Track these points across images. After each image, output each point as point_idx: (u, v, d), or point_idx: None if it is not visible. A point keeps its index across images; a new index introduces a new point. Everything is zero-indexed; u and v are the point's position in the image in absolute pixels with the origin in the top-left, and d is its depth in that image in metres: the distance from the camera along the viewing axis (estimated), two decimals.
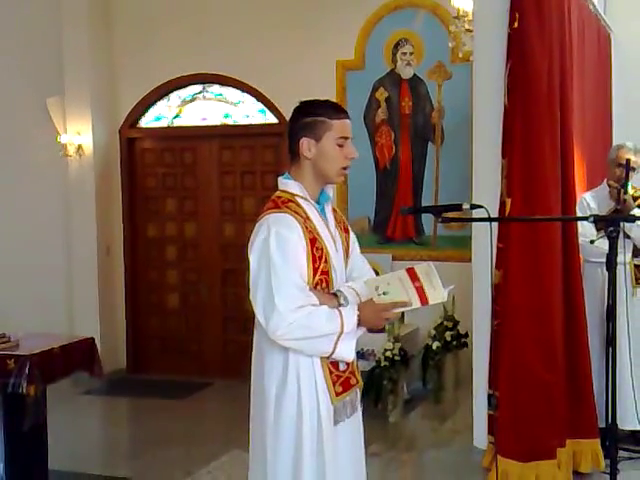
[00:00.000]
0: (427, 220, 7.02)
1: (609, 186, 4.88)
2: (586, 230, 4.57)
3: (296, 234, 2.54)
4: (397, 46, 7.07)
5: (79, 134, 7.63)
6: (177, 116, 7.83)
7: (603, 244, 2.57)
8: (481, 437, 4.37)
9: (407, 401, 6.13)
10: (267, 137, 7.45)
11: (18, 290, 7.87)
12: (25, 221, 7.93)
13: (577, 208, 4.87)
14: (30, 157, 7.90)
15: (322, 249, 2.60)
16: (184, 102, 7.79)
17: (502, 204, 3.84)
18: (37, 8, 7.78)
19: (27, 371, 4.39)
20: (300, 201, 2.63)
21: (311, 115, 2.64)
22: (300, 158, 2.66)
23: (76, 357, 4.88)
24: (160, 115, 7.87)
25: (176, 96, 7.79)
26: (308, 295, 2.51)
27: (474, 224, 4.32)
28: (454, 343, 6.41)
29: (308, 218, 2.61)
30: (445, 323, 6.42)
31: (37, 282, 7.87)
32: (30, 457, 4.71)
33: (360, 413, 2.75)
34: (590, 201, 4.93)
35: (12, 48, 7.87)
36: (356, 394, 2.72)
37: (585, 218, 2.77)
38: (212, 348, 7.73)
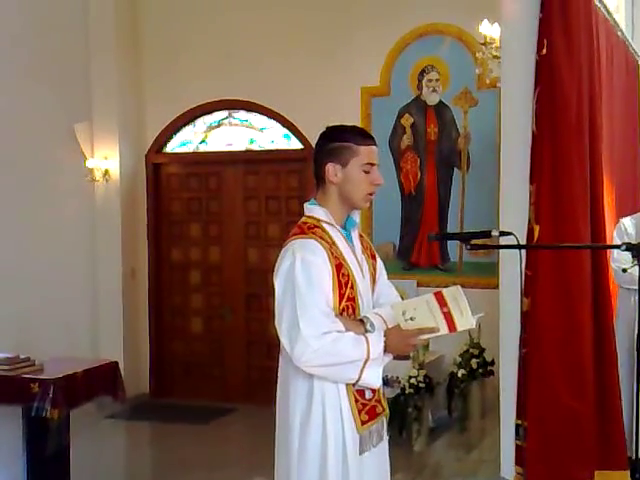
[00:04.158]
0: (452, 246, 6.97)
1: None
2: (621, 256, 4.52)
3: (322, 260, 2.52)
4: (423, 73, 7.08)
5: (106, 159, 7.70)
6: (203, 141, 7.88)
7: (637, 271, 2.54)
8: (509, 468, 4.28)
9: (432, 429, 6.06)
10: (292, 162, 7.47)
11: (43, 313, 7.90)
12: (51, 245, 7.97)
13: (615, 233, 4.83)
14: (58, 182, 7.96)
15: (348, 275, 2.58)
16: (210, 128, 7.84)
17: (530, 231, 3.79)
18: (65, 35, 7.88)
19: (51, 395, 4.42)
20: (326, 227, 2.62)
21: (338, 140, 2.63)
22: (326, 183, 2.65)
23: (99, 381, 4.90)
24: (186, 140, 7.92)
25: (202, 122, 7.84)
26: (334, 321, 2.49)
27: (501, 251, 4.28)
28: (480, 371, 6.33)
29: (334, 244, 2.59)
30: (471, 350, 6.35)
31: (62, 305, 7.89)
32: None
33: (386, 442, 2.71)
34: (629, 227, 4.88)
35: (40, 74, 7.96)
36: (382, 423, 2.68)
37: (617, 246, 2.73)
38: (235, 373, 7.70)
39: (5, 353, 4.76)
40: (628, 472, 4.10)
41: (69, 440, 4.74)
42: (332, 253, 2.56)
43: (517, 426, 3.93)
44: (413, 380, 5.78)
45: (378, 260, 2.81)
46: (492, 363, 6.26)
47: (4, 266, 8.11)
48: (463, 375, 6.25)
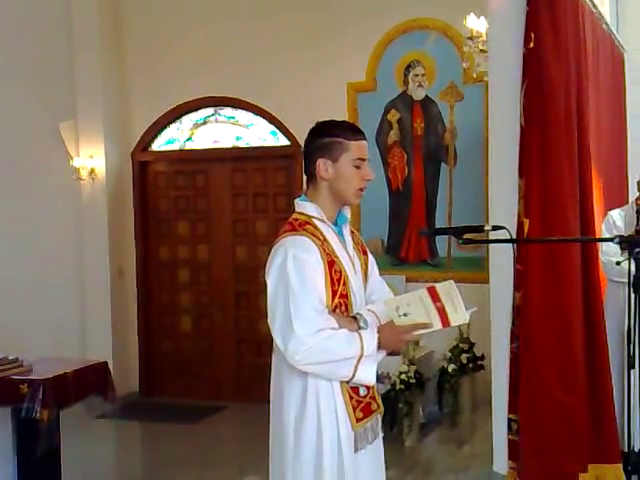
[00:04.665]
0: (441, 241, 6.98)
1: (637, 205, 4.85)
2: (610, 249, 4.54)
3: (314, 257, 2.51)
4: (409, 68, 7.07)
5: (92, 158, 7.65)
6: (189, 139, 7.83)
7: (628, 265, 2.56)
8: (501, 462, 4.29)
9: (423, 425, 6.06)
10: (279, 159, 7.44)
11: (31, 313, 7.84)
12: (38, 244, 7.92)
13: (603, 225, 4.84)
14: (43, 181, 7.91)
15: (340, 272, 2.56)
16: (196, 125, 7.80)
17: (520, 225, 3.79)
18: (49, 33, 7.82)
19: (41, 396, 4.38)
20: (317, 223, 2.60)
21: (328, 136, 2.62)
22: (317, 179, 2.64)
23: (89, 381, 4.86)
24: (172, 138, 7.88)
25: (188, 119, 7.80)
26: (327, 319, 2.47)
27: (492, 245, 4.28)
28: (470, 366, 6.35)
29: (326, 240, 2.58)
30: (461, 345, 6.36)
31: (50, 305, 7.84)
32: None
33: (381, 440, 2.70)
34: (617, 219, 4.90)
35: (25, 73, 7.90)
36: (377, 420, 2.66)
37: (610, 239, 2.72)
38: (225, 371, 7.68)
39: None
40: (621, 465, 4.12)
41: (59, 441, 4.70)
42: (324, 250, 2.54)
43: (510, 421, 3.94)
44: (404, 376, 5.78)
45: (370, 256, 2.79)
46: (482, 358, 6.27)
47: None
48: (453, 370, 6.26)
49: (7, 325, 7.77)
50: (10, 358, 4.66)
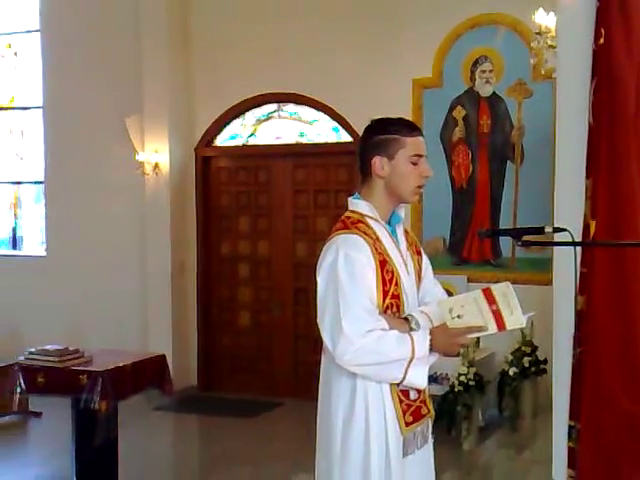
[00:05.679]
0: (505, 241, 6.82)
1: None
2: None
3: (365, 256, 2.45)
4: (476, 64, 6.94)
5: (156, 152, 7.72)
6: (252, 135, 7.85)
7: None
8: (560, 470, 4.16)
9: (482, 428, 5.94)
10: (341, 156, 7.39)
11: (94, 306, 8.00)
12: (102, 238, 8.06)
13: None
14: (109, 175, 8.04)
15: (392, 272, 2.50)
16: (259, 121, 7.80)
17: (586, 227, 3.67)
18: (117, 29, 7.95)
19: (99, 387, 4.45)
20: (370, 222, 2.55)
21: (384, 133, 2.56)
22: (372, 177, 2.58)
23: (147, 374, 4.92)
24: (235, 134, 7.91)
25: (251, 115, 7.81)
26: (377, 319, 2.42)
27: (556, 248, 4.15)
28: (532, 369, 6.19)
29: (378, 239, 2.52)
30: (523, 348, 6.21)
31: (113, 298, 7.98)
32: (100, 473, 4.75)
33: (431, 445, 2.63)
34: None
35: (93, 68, 8.06)
36: (427, 425, 2.60)
37: None
38: (283, 367, 7.68)
39: (55, 345, 4.80)
40: None
41: (117, 431, 4.76)
42: (376, 249, 2.48)
43: (570, 428, 3.82)
44: (463, 378, 5.67)
45: (424, 256, 2.72)
46: (545, 362, 6.11)
47: (56, 259, 8.27)
48: (515, 373, 6.12)
49: (70, 318, 7.97)
50: (71, 349, 4.74)
